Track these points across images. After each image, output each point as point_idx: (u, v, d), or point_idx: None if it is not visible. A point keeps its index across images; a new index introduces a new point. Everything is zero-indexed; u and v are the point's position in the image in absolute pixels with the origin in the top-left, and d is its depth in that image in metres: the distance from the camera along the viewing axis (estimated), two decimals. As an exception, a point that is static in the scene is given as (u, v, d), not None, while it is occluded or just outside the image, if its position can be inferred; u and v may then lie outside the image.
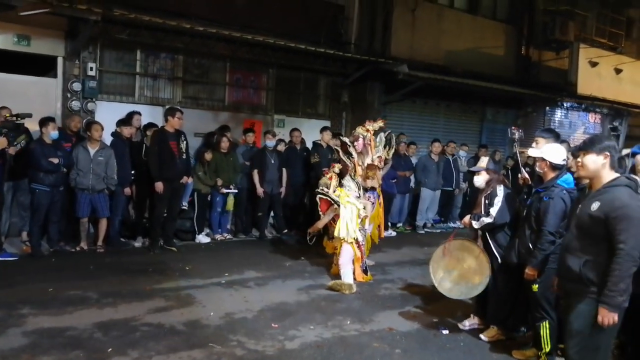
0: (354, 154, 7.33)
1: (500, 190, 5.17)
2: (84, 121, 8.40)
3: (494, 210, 5.09)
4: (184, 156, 8.10)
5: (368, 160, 7.35)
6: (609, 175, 3.49)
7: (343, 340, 5.06)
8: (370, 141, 7.36)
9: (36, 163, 7.19)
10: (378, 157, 7.44)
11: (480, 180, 5.40)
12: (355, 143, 7.33)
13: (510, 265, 4.91)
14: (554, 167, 4.60)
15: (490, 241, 5.21)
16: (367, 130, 7.37)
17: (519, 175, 5.22)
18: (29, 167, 7.25)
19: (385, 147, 7.60)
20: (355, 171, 7.28)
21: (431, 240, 9.80)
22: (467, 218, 5.40)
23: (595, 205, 3.41)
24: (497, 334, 5.24)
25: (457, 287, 5.31)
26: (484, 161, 5.58)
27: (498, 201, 5.10)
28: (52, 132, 7.34)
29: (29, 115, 7.20)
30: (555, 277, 4.07)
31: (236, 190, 9.20)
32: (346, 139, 7.57)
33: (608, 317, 3.32)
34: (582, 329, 3.46)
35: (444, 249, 5.42)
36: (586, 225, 3.46)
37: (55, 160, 7.27)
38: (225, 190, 9.02)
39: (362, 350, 4.87)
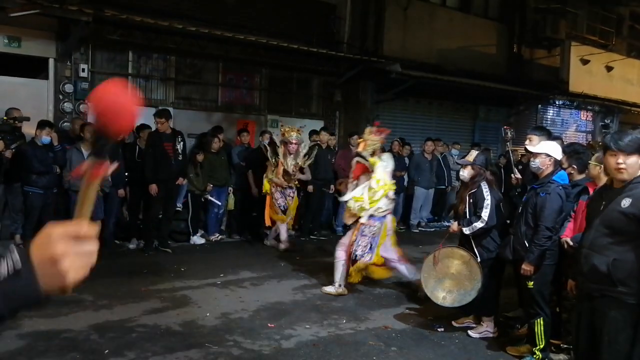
0: (280, 155, 7.88)
1: (487, 193, 5.11)
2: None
3: (485, 214, 5.05)
4: (180, 157, 8.08)
5: (292, 162, 7.92)
6: None
7: (339, 339, 5.08)
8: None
9: (28, 165, 7.16)
10: (294, 164, 7.99)
11: (465, 173, 5.32)
12: (290, 146, 7.76)
13: (503, 260, 4.96)
14: (556, 162, 4.66)
15: (471, 240, 5.20)
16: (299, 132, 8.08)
17: (512, 175, 5.23)
18: (22, 169, 7.21)
19: (305, 156, 8.13)
20: (276, 170, 7.93)
21: (425, 238, 9.82)
22: (455, 225, 5.38)
23: (626, 202, 3.24)
24: (486, 330, 5.29)
25: (450, 294, 5.27)
26: (472, 154, 5.39)
27: (487, 204, 5.06)
28: (44, 137, 7.25)
29: (27, 119, 7.18)
30: (571, 280, 3.93)
31: (219, 203, 9.14)
32: (276, 140, 7.91)
33: None
34: (622, 341, 3.27)
35: (434, 258, 5.37)
36: (617, 222, 3.29)
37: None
38: (209, 197, 9.00)
39: (358, 348, 4.89)
